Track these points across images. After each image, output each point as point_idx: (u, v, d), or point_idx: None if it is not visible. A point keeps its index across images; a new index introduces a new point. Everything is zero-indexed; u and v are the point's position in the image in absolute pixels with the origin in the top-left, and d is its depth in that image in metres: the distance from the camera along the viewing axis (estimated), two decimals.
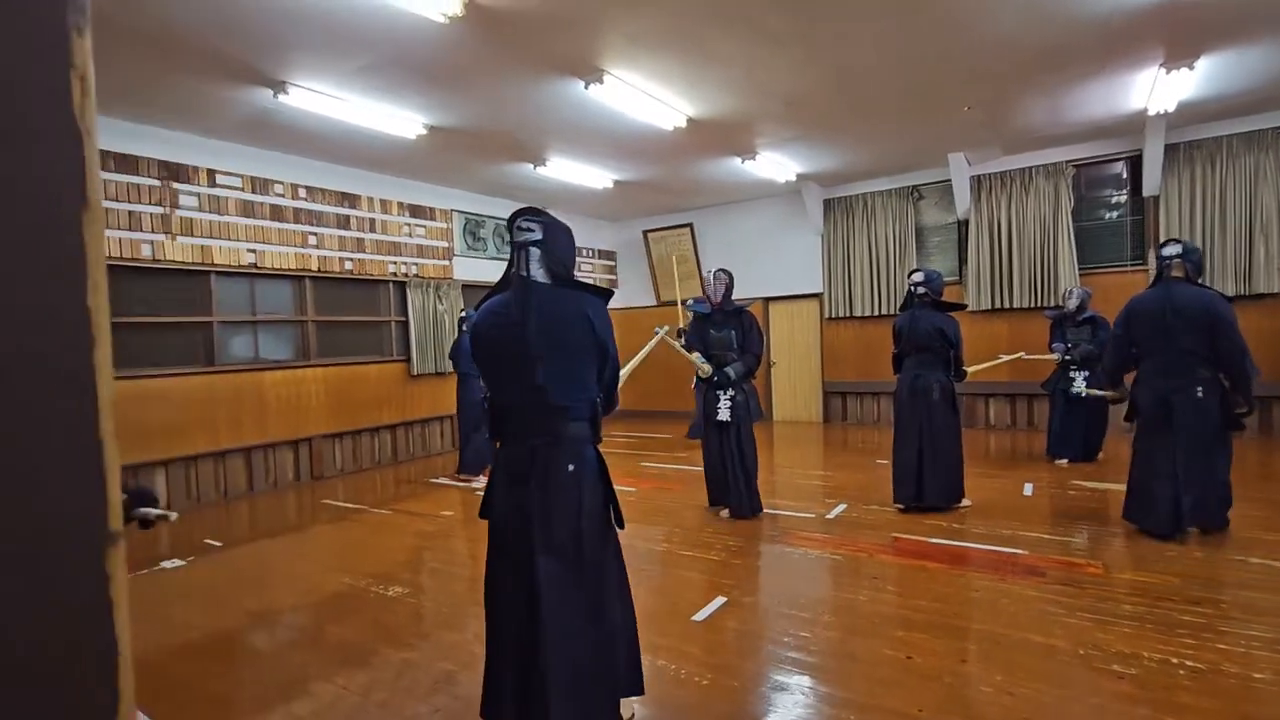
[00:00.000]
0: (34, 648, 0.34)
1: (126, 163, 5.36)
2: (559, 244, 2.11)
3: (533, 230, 2.07)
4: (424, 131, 5.80)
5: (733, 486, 4.52)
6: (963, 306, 4.73)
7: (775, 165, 7.49)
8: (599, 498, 2.13)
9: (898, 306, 8.36)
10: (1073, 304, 6.01)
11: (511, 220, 2.11)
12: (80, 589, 0.35)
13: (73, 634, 0.35)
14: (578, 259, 9.95)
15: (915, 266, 5.82)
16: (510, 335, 2.04)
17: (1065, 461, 5.88)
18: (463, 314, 6.40)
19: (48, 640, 0.34)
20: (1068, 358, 5.95)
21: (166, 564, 4.19)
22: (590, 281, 9.81)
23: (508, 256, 2.16)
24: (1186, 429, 3.65)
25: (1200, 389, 3.65)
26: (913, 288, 4.61)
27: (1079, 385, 5.77)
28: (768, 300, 9.40)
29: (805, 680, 2.46)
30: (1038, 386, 6.88)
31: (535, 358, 2.01)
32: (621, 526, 2.22)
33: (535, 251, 2.08)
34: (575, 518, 2.05)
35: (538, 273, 2.08)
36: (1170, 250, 3.81)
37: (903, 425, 4.57)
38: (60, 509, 0.35)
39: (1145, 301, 3.87)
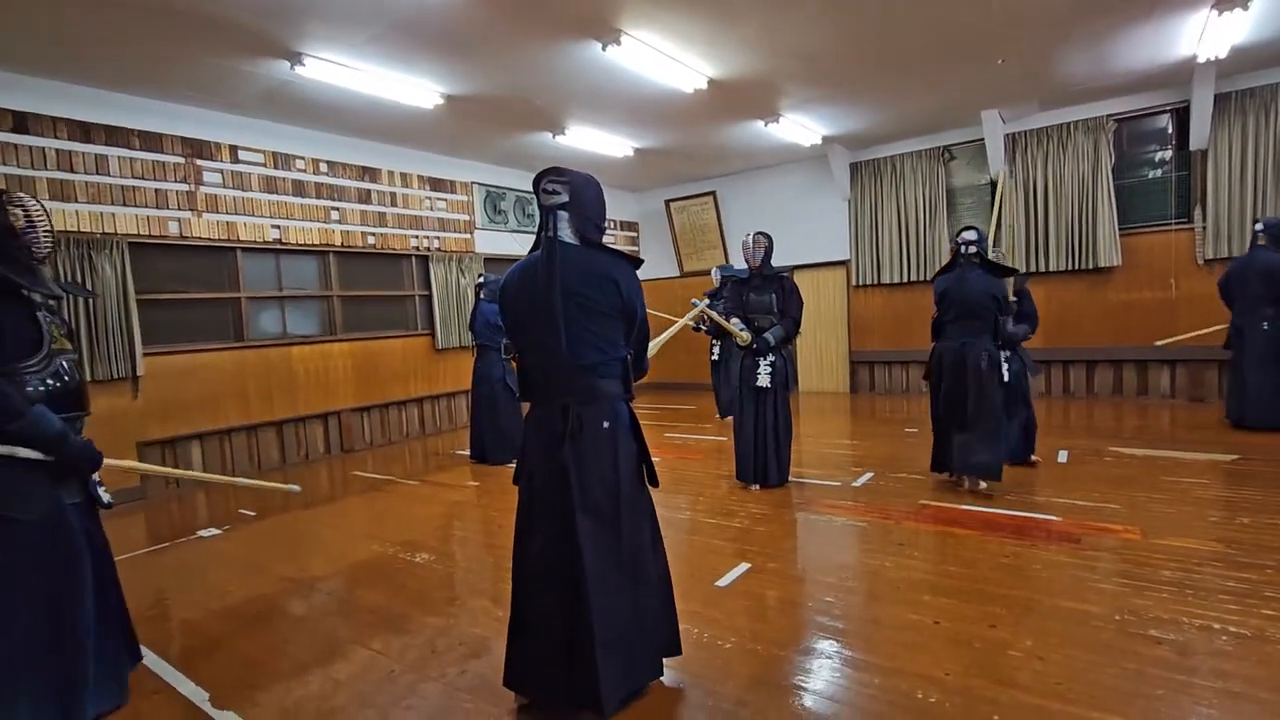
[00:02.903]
0: None
1: (151, 140, 5.41)
2: (586, 203, 2.08)
3: (559, 193, 2.05)
4: (441, 101, 5.74)
5: (761, 453, 4.44)
6: (1014, 271, 4.36)
7: (799, 128, 7.28)
8: (633, 455, 2.14)
9: (929, 272, 8.17)
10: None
11: (537, 183, 2.08)
12: None
13: None
14: None
15: (967, 224, 5.14)
16: (537, 296, 2.03)
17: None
18: (480, 279, 6.03)
19: None
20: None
21: (203, 533, 4.31)
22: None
23: (530, 229, 2.14)
24: (1254, 347, 5.38)
25: (1265, 323, 5.37)
26: (963, 246, 4.20)
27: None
28: (793, 268, 9.24)
29: (830, 644, 2.44)
30: (1070, 352, 6.67)
31: (561, 318, 2.00)
32: (655, 484, 2.22)
33: (563, 214, 2.06)
34: (613, 475, 2.06)
35: (566, 234, 2.07)
36: (1258, 226, 5.52)
37: (943, 398, 4.24)
38: None
39: (1236, 263, 5.70)
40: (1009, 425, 4.63)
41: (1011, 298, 4.51)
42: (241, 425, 5.98)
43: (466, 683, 2.33)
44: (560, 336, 2.00)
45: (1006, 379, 4.54)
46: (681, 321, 3.78)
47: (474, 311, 6.02)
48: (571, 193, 2.05)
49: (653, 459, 2.21)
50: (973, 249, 4.17)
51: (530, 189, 9.91)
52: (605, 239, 2.16)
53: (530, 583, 2.08)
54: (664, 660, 2.24)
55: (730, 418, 7.29)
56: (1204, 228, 6.73)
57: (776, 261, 4.59)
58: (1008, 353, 4.62)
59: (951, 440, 4.25)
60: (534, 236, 2.13)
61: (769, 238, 4.47)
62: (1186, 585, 2.71)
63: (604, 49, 4.76)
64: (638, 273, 2.15)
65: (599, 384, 2.06)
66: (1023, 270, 5.01)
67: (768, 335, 4.34)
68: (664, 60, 5.06)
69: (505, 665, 2.14)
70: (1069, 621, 2.48)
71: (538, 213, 2.13)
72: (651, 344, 2.76)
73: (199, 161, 5.70)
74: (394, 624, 2.83)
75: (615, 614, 2.01)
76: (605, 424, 2.06)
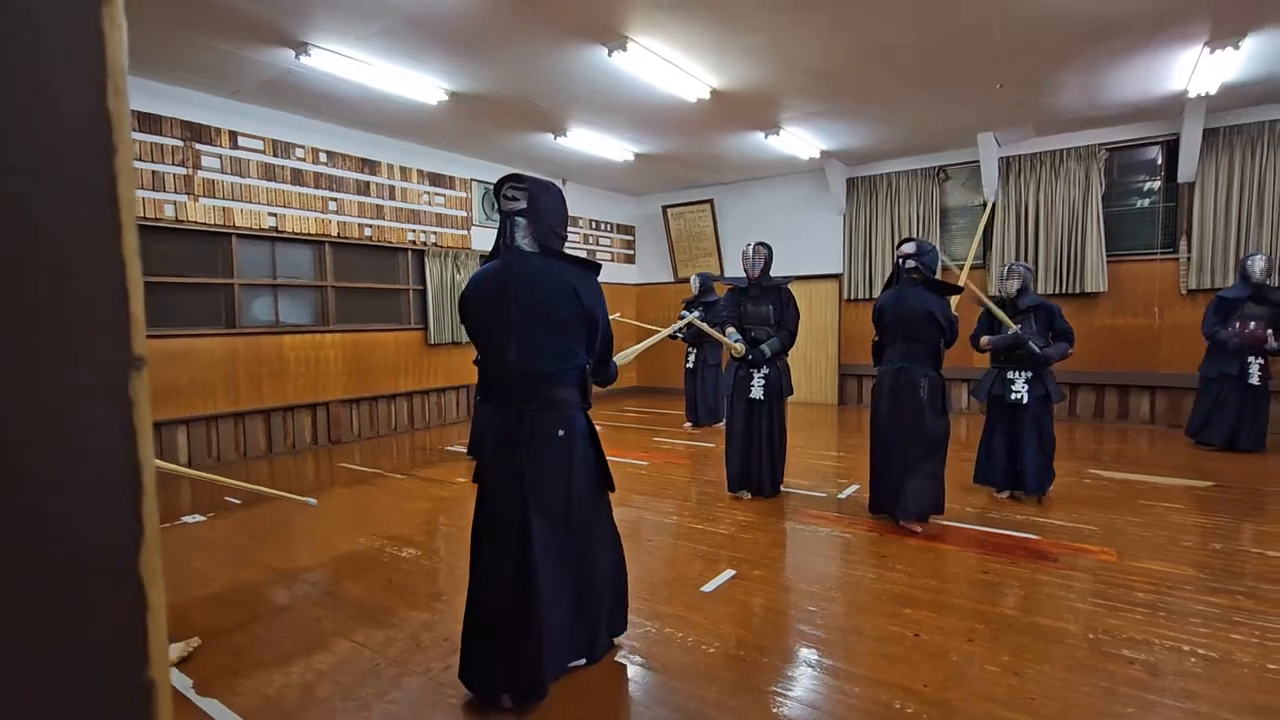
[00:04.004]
0: (57, 473, 0.33)
1: (150, 122, 5.38)
2: (545, 210, 2.11)
3: (518, 200, 2.07)
4: (445, 98, 5.76)
5: (756, 464, 4.46)
6: (958, 290, 3.94)
7: (799, 141, 7.35)
8: (589, 461, 2.21)
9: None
10: (1012, 287, 4.46)
11: (498, 188, 2.11)
12: (102, 413, 0.34)
13: (96, 459, 0.34)
14: (596, 234, 9.92)
15: (908, 236, 4.80)
16: (495, 305, 2.07)
17: (1005, 494, 4.44)
18: None
19: (71, 463, 0.33)
20: (1005, 340, 4.33)
21: (188, 519, 4.29)
22: (597, 256, 9.81)
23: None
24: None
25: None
26: (900, 261, 3.84)
27: (1019, 390, 4.31)
28: (785, 279, 9.30)
29: (812, 653, 2.48)
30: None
31: (519, 327, 2.05)
32: (612, 489, 2.31)
33: (521, 221, 2.09)
34: (566, 482, 2.13)
35: (524, 242, 2.10)
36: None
37: (880, 430, 3.91)
38: (81, 330, 0.34)
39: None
40: (1025, 455, 4.29)
41: (1011, 329, 4.21)
42: (229, 412, 5.94)
43: (451, 678, 2.34)
44: (517, 346, 2.06)
45: (1025, 402, 4.26)
46: (663, 333, 3.86)
47: None
48: (530, 199, 2.07)
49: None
50: (911, 263, 3.80)
51: None
52: (601, 240, 2.27)
53: (483, 582, 2.16)
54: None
55: (706, 425, 7.36)
56: (1188, 259, 6.87)
57: (772, 272, 4.63)
58: (1028, 373, 4.30)
59: (889, 477, 3.86)
60: (495, 239, 2.18)
61: (769, 248, 4.52)
62: (1159, 607, 2.78)
63: (609, 54, 4.80)
64: (598, 278, 2.20)
65: (555, 392, 2.11)
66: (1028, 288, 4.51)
67: (764, 348, 4.36)
68: (668, 68, 5.11)
69: (461, 661, 2.20)
70: (1045, 639, 2.54)
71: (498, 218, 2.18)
72: (630, 351, 2.83)
73: (198, 145, 5.67)
74: (378, 617, 2.83)
75: (563, 616, 2.14)
76: (560, 432, 2.11)
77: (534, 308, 2.05)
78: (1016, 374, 4.35)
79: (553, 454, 2.10)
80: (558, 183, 2.14)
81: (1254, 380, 5.62)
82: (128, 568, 0.35)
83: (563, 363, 2.11)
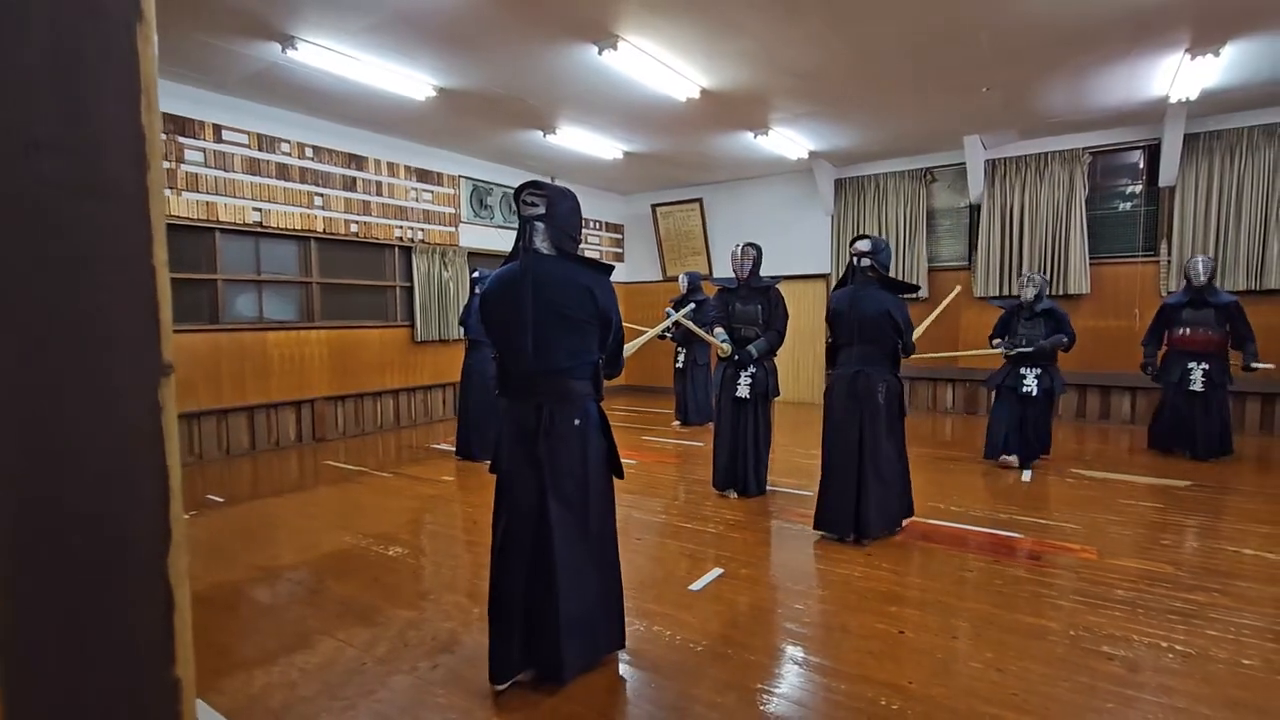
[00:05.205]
0: (92, 477, 0.34)
1: None
2: (562, 215, 2.23)
3: (537, 205, 2.20)
4: (433, 94, 5.72)
5: (742, 463, 4.49)
6: (915, 288, 3.88)
7: (787, 142, 7.38)
8: (601, 450, 2.31)
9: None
10: (1029, 293, 5.23)
11: (518, 194, 2.23)
12: (134, 419, 0.35)
13: (128, 463, 0.35)
14: (585, 231, 9.90)
15: (861, 233, 4.68)
16: (514, 304, 2.17)
17: (1014, 459, 5.18)
18: (474, 274, 5.92)
19: (106, 467, 0.34)
20: (1011, 352, 5.20)
21: None
22: (595, 256, 9.82)
23: (515, 225, 2.30)
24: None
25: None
26: (855, 259, 3.64)
27: (1030, 383, 5.11)
28: (774, 279, 9.33)
29: (798, 651, 2.50)
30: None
31: (537, 326, 2.16)
32: (620, 476, 2.38)
33: (540, 225, 2.21)
34: (581, 467, 2.23)
35: (542, 245, 2.21)
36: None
37: (835, 437, 3.65)
38: (115, 338, 0.34)
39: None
40: (1023, 432, 5.14)
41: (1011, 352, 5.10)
42: (212, 409, 5.86)
43: (438, 676, 2.33)
44: (535, 343, 2.17)
45: (1034, 394, 5.07)
46: (653, 332, 3.94)
47: (467, 306, 5.96)
48: (548, 205, 2.20)
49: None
50: (866, 261, 3.61)
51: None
52: (591, 238, 2.36)
53: (503, 563, 2.23)
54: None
55: (695, 424, 7.38)
56: (1168, 261, 6.99)
57: (760, 272, 4.65)
58: (1038, 370, 5.11)
59: (838, 492, 3.60)
60: (514, 241, 2.28)
61: (758, 249, 4.53)
62: (1138, 604, 2.83)
63: (600, 53, 4.79)
64: (610, 279, 2.31)
65: (571, 385, 2.23)
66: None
67: (751, 349, 4.39)
68: (659, 68, 5.11)
69: (490, 660, 2.22)
70: (1027, 636, 2.57)
71: (518, 221, 2.29)
72: (626, 347, 2.88)
73: (180, 139, 5.59)
74: (364, 616, 2.81)
75: (580, 599, 2.20)
76: (576, 422, 2.23)
77: (550, 307, 2.16)
78: (1028, 370, 5.16)
79: (569, 443, 2.21)
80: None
81: (1196, 388, 5.45)
82: (157, 569, 0.35)
83: (577, 359, 2.22)
